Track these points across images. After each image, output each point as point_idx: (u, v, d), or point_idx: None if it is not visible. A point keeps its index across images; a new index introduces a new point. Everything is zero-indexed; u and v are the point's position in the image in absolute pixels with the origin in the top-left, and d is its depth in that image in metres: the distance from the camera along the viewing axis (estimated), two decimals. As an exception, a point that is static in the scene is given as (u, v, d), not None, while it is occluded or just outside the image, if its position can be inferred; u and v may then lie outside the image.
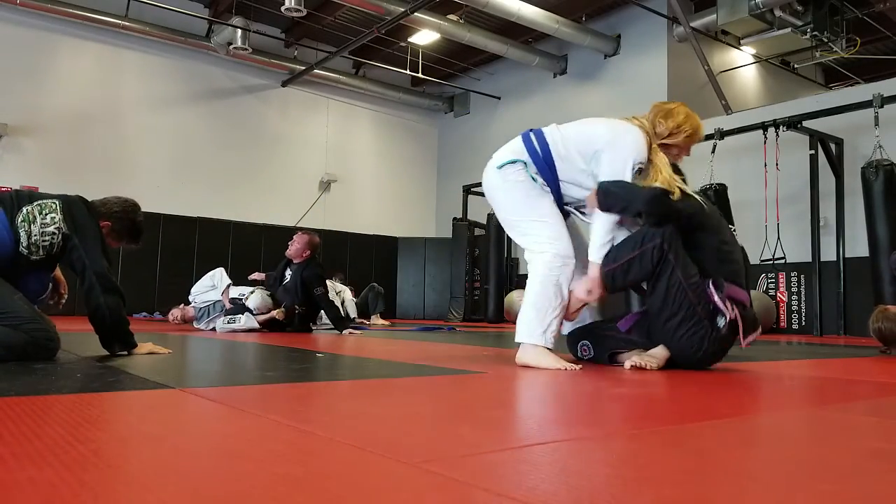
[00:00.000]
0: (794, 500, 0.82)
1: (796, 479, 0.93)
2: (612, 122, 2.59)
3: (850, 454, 1.11)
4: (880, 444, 1.23)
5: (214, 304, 5.60)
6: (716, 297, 2.26)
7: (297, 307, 5.36)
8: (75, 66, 10.06)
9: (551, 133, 2.57)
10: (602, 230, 2.42)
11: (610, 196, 2.36)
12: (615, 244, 2.43)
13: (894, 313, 3.24)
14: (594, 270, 2.45)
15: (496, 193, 2.60)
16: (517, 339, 2.51)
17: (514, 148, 2.57)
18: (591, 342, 2.64)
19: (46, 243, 2.50)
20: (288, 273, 5.52)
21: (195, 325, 5.63)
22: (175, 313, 5.81)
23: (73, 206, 2.59)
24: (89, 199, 2.74)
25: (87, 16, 9.77)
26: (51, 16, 9.62)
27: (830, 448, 1.17)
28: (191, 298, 5.74)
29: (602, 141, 2.46)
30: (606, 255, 2.41)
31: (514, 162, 2.52)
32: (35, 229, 2.47)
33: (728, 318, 2.26)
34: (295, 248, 5.45)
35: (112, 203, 2.78)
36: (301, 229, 6.14)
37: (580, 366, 2.46)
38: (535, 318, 2.46)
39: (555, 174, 2.51)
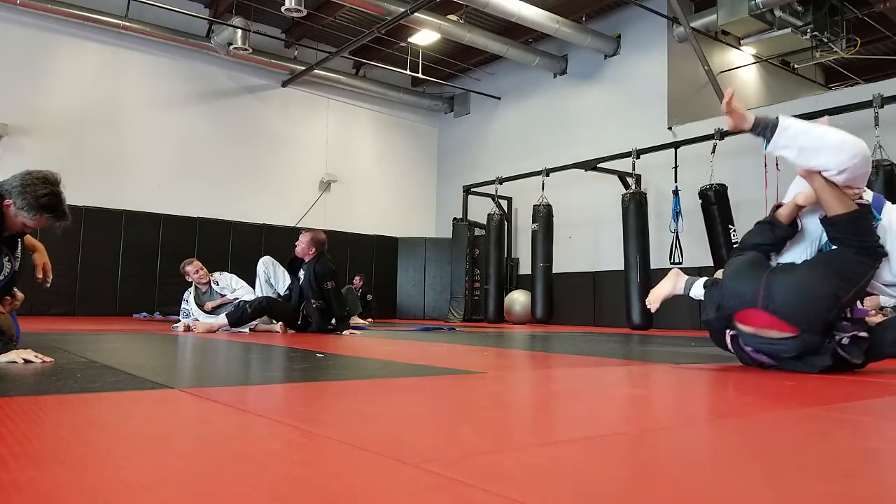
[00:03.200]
0: (794, 500, 0.82)
1: (796, 479, 0.93)
2: None
3: (850, 454, 1.11)
4: (880, 444, 1.23)
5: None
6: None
7: (314, 301, 5.45)
8: (75, 66, 10.06)
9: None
10: None
11: None
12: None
13: None
14: None
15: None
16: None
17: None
18: None
19: None
20: (302, 273, 5.64)
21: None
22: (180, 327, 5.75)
23: None
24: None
25: (87, 16, 9.77)
26: (51, 16, 9.62)
27: (830, 448, 1.17)
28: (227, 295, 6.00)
29: None
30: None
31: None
32: None
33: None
34: (300, 246, 5.59)
35: (14, 178, 2.50)
36: (303, 229, 6.26)
37: None
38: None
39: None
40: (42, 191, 2.47)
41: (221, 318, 5.39)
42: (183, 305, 5.88)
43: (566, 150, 10.61)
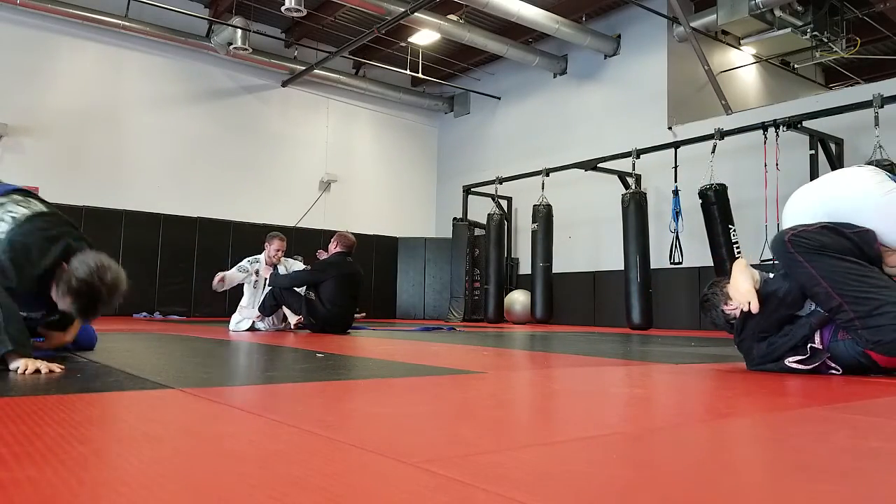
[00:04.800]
0: (793, 500, 0.82)
1: (796, 479, 0.93)
2: None
3: (849, 454, 1.11)
4: (880, 444, 1.23)
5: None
6: None
7: (309, 292, 5.60)
8: (75, 66, 10.06)
9: None
10: None
11: None
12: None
13: None
14: None
15: None
16: None
17: None
18: None
19: None
20: None
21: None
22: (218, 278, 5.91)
23: (18, 246, 2.14)
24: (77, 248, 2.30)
25: (87, 16, 9.76)
26: (51, 16, 9.62)
27: (830, 448, 1.17)
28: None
29: None
30: None
31: None
32: None
33: None
34: (329, 246, 5.97)
35: (76, 270, 2.19)
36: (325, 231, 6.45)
37: None
38: None
39: None
40: (101, 295, 2.21)
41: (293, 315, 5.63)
42: (244, 275, 6.02)
43: (566, 150, 10.61)
